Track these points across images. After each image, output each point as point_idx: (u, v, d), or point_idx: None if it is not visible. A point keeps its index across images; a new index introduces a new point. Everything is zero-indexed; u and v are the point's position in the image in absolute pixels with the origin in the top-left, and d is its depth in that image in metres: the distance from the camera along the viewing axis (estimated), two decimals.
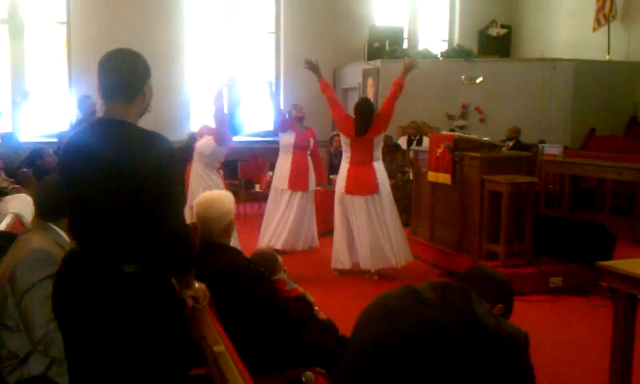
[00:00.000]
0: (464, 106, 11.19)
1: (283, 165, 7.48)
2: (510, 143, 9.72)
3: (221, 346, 2.31)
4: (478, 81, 11.20)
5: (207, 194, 3.39)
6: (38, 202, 3.11)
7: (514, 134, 10.03)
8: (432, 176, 7.07)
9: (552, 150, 10.05)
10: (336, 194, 6.76)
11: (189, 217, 4.68)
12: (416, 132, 10.20)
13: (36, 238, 2.96)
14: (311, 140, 7.52)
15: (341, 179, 6.67)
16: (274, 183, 7.59)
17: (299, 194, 7.37)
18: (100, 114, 2.50)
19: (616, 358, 3.48)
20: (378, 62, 11.24)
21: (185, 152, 6.56)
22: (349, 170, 6.61)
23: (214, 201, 3.27)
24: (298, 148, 7.43)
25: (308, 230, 7.42)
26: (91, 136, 2.42)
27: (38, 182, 3.66)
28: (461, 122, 11.04)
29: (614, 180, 8.59)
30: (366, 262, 6.47)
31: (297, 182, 7.38)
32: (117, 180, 2.28)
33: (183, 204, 2.41)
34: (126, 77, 2.39)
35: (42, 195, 3.11)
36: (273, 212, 7.44)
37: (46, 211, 3.06)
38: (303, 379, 2.87)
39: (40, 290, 2.83)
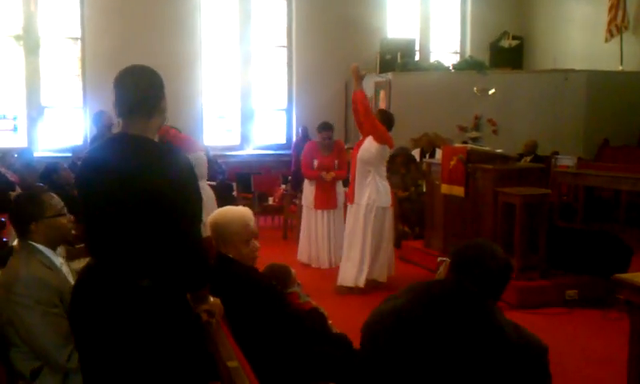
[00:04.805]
0: (476, 118, 11.16)
1: (308, 184, 7.70)
2: (528, 158, 9.65)
3: (234, 361, 2.31)
4: (490, 92, 11.18)
5: (224, 208, 3.40)
6: (16, 223, 2.96)
7: (531, 148, 9.94)
8: (445, 188, 7.05)
9: (565, 161, 9.99)
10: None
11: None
12: (429, 144, 10.18)
13: (21, 264, 2.84)
14: (336, 162, 7.57)
15: (387, 194, 6.55)
16: (303, 201, 7.86)
17: (326, 211, 7.55)
18: (117, 129, 2.51)
19: (633, 372, 3.44)
20: (389, 75, 11.25)
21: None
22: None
23: (224, 211, 3.28)
24: (322, 170, 7.54)
25: (337, 246, 7.50)
26: (109, 151, 2.44)
27: (13, 200, 3.40)
28: (473, 134, 11.00)
29: (628, 191, 8.52)
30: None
31: (322, 202, 7.54)
32: (134, 195, 2.30)
33: (199, 220, 2.41)
34: (144, 92, 2.41)
35: (18, 214, 2.94)
36: (304, 230, 7.69)
37: (26, 230, 2.91)
38: None
39: (37, 314, 2.77)
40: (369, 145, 6.38)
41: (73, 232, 3.15)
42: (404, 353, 2.17)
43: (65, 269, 3.02)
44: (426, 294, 2.29)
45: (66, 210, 3.02)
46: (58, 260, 2.99)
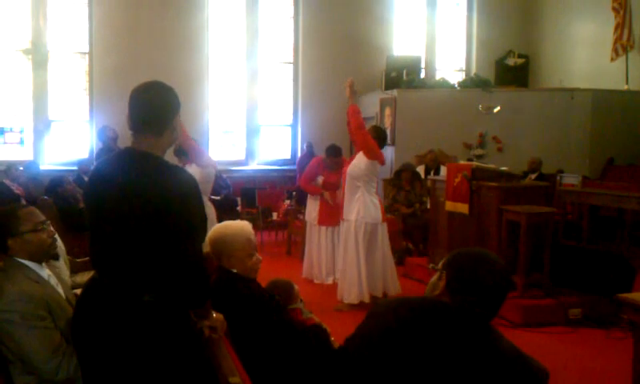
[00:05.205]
0: (481, 136, 11.17)
1: (312, 200, 7.68)
2: (533, 176, 9.65)
3: (237, 376, 2.31)
4: (495, 110, 11.19)
5: (224, 223, 3.40)
6: None
7: (536, 166, 9.95)
8: (450, 205, 7.05)
9: (570, 179, 9.98)
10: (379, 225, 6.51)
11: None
12: (433, 161, 10.18)
13: (6, 280, 2.83)
14: (342, 179, 7.51)
15: (377, 210, 6.48)
16: (306, 217, 7.83)
17: (330, 227, 7.48)
18: (128, 143, 2.52)
19: None
20: (395, 92, 11.29)
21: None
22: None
23: (225, 227, 3.29)
24: (327, 188, 7.54)
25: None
26: (115, 166, 2.46)
27: None
28: (478, 152, 11.00)
29: (633, 210, 8.50)
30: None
31: (325, 218, 7.50)
32: (137, 210, 2.31)
33: (202, 238, 2.42)
34: (156, 111, 2.43)
35: None
36: (309, 247, 7.64)
37: (5, 246, 2.90)
38: None
39: (23, 329, 2.75)
40: (359, 160, 6.37)
41: (56, 245, 3.12)
42: (397, 375, 2.13)
43: (53, 280, 3.00)
44: (420, 314, 2.21)
45: (46, 225, 3.00)
46: (45, 272, 2.98)
